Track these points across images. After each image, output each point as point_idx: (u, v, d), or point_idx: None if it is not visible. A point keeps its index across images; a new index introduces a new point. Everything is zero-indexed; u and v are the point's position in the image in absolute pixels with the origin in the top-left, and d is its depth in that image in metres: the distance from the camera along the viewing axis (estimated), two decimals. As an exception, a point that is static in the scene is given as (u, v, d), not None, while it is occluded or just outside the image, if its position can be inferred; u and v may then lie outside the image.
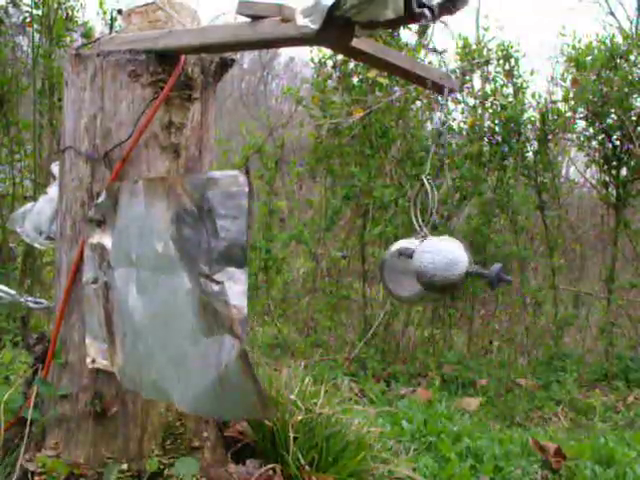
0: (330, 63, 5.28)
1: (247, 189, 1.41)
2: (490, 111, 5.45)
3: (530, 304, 5.60)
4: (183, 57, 1.88)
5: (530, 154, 5.54)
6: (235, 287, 1.39)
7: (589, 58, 5.33)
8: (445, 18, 1.42)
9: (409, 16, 1.38)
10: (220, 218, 1.42)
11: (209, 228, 1.44)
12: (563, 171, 6.92)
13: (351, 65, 5.18)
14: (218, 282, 1.41)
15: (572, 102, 5.42)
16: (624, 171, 5.49)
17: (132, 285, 1.70)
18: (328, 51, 5.16)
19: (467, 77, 5.44)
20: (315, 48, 5.18)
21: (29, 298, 2.30)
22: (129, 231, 1.72)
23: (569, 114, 5.49)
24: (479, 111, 5.47)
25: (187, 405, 1.57)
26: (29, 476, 1.84)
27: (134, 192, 1.71)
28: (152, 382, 1.65)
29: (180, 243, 1.53)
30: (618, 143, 5.42)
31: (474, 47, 5.42)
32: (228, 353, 1.39)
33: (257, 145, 5.27)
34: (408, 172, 5.28)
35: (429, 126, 5.57)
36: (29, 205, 2.37)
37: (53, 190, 2.20)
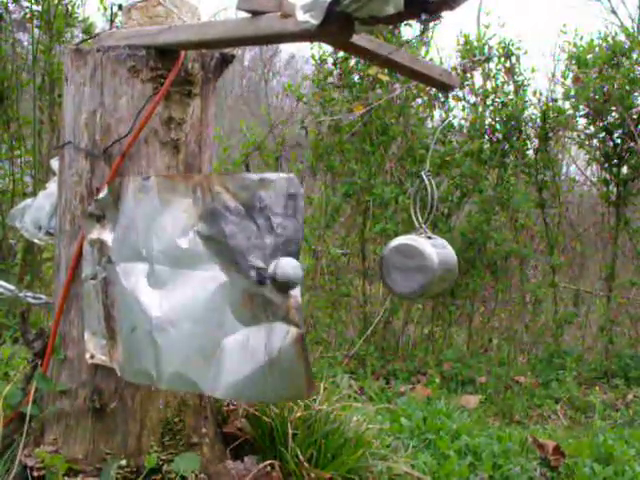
0: (331, 60, 5.28)
1: (302, 190, 1.54)
2: (491, 108, 5.44)
3: (530, 302, 5.60)
4: (183, 53, 1.87)
5: (531, 152, 5.54)
6: None
7: (590, 56, 5.32)
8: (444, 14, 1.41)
9: (409, 12, 1.37)
10: (276, 216, 1.52)
11: (262, 225, 1.52)
12: (564, 169, 6.92)
13: (352, 62, 5.17)
14: None
15: (573, 100, 5.42)
16: (625, 169, 5.49)
17: (142, 280, 1.71)
18: (329, 48, 5.15)
19: (468, 74, 5.43)
20: (316, 45, 5.18)
21: (28, 294, 2.29)
22: (137, 227, 1.73)
23: (570, 112, 5.48)
24: (480, 108, 5.46)
25: (223, 392, 1.61)
26: (28, 471, 1.84)
27: (144, 189, 1.71)
28: (175, 373, 1.68)
29: (213, 238, 1.58)
30: (619, 141, 5.41)
31: (475, 44, 5.41)
32: (281, 339, 1.48)
33: (257, 142, 5.27)
34: (408, 169, 5.28)
35: (429, 124, 5.57)
36: (29, 201, 2.37)
37: (52, 186, 2.20)
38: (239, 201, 1.55)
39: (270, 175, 1.53)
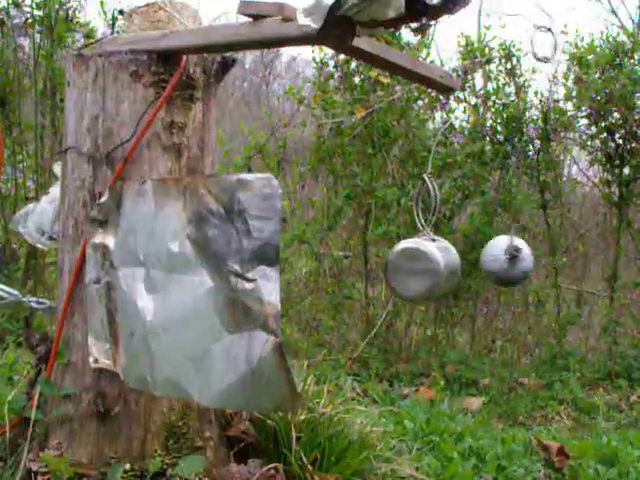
0: (332, 63, 5.29)
1: (280, 191, 1.46)
2: (492, 110, 5.45)
3: (533, 303, 5.60)
4: (185, 57, 1.88)
5: (532, 153, 5.54)
6: (268, 284, 1.44)
7: (591, 56, 5.32)
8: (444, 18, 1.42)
9: (410, 15, 1.37)
10: (253, 219, 1.45)
11: (240, 228, 1.47)
12: (565, 170, 6.91)
13: (353, 65, 5.19)
14: (250, 280, 1.45)
15: (575, 100, 5.42)
16: (627, 170, 5.49)
17: (140, 285, 1.71)
18: (330, 51, 5.16)
19: (469, 76, 5.44)
20: (317, 48, 5.19)
21: (32, 298, 2.30)
22: (136, 231, 1.73)
23: (572, 112, 5.48)
24: (481, 110, 5.47)
25: (210, 400, 1.59)
26: (33, 475, 1.84)
27: (141, 192, 1.71)
28: (167, 380, 1.67)
29: (200, 242, 1.55)
30: (621, 142, 5.41)
31: (476, 45, 5.42)
32: (262, 347, 1.43)
33: (259, 145, 5.27)
34: (410, 171, 5.29)
35: (431, 125, 5.58)
36: (31, 205, 2.37)
37: (55, 190, 2.20)
38: (220, 203, 1.51)
39: (247, 175, 1.49)
